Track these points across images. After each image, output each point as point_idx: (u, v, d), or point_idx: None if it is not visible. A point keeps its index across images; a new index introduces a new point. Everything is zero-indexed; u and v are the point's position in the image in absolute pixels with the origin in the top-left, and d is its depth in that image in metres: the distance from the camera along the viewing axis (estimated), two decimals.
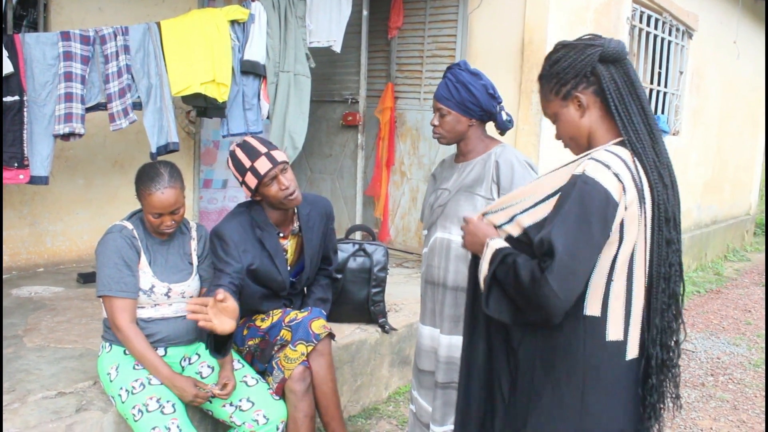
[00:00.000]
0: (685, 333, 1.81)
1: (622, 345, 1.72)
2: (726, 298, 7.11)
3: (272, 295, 3.05)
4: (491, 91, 2.58)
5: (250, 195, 2.89)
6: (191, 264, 2.85)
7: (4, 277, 4.29)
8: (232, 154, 2.88)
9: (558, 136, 1.90)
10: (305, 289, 3.23)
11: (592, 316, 1.70)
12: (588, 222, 1.63)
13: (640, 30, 6.46)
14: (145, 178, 2.64)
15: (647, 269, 1.72)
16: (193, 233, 2.90)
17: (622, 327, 1.71)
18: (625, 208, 1.65)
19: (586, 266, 1.66)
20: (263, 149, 2.82)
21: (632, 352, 1.74)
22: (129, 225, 2.73)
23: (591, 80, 1.77)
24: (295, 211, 3.05)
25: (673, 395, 1.80)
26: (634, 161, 1.70)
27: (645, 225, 1.70)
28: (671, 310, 1.76)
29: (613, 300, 1.70)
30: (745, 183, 10.26)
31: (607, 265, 1.68)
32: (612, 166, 1.65)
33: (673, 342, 1.77)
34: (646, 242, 1.71)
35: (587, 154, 1.72)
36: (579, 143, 1.86)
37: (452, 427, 2.63)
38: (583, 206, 1.64)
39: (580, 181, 1.66)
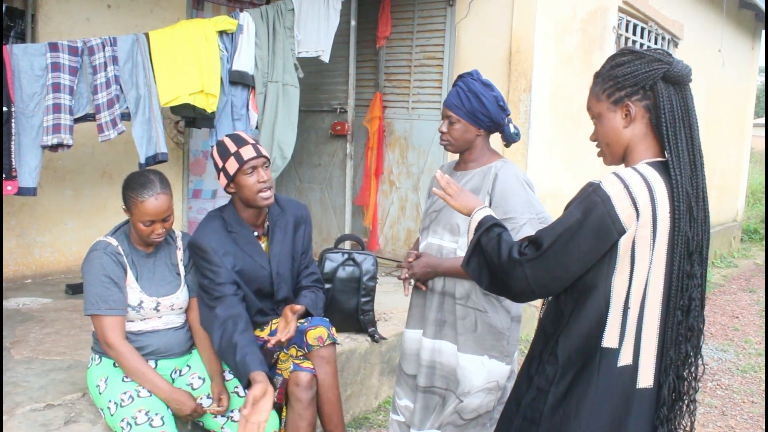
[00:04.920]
0: (704, 367, 1.77)
1: (632, 370, 1.70)
2: (714, 305, 7.15)
3: (266, 297, 2.99)
4: (501, 102, 2.59)
5: (226, 184, 2.83)
6: (179, 275, 2.83)
7: None
8: (219, 142, 2.87)
9: (593, 138, 1.87)
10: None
11: (609, 348, 1.69)
12: (583, 232, 1.64)
13: (627, 39, 6.51)
14: (135, 186, 2.62)
15: (663, 299, 1.70)
16: (179, 243, 2.89)
17: (632, 352, 1.69)
18: (636, 232, 1.63)
19: (565, 271, 1.68)
20: (251, 141, 2.84)
21: (644, 380, 1.71)
22: (113, 241, 2.70)
23: (647, 94, 1.73)
24: (267, 211, 2.99)
25: (688, 429, 1.77)
26: (663, 184, 1.68)
27: (661, 253, 1.67)
28: (691, 342, 1.72)
29: (629, 328, 1.69)
30: (732, 190, 10.33)
31: (623, 294, 1.67)
32: (632, 188, 1.64)
33: (692, 376, 1.74)
34: (666, 271, 1.68)
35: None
36: (614, 152, 1.83)
37: (431, 431, 2.64)
38: (585, 215, 1.64)
39: (592, 190, 1.66)
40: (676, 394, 1.73)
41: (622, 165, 1.82)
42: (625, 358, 1.69)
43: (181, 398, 2.60)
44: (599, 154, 1.89)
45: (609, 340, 1.69)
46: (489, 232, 1.86)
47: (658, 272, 1.68)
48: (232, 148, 2.79)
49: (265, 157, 2.83)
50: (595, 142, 1.88)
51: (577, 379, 1.72)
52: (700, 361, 1.76)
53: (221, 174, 2.84)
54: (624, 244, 1.64)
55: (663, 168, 1.71)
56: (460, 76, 2.63)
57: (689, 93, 1.75)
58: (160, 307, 2.73)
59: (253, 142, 2.85)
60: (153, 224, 2.63)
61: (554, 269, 1.68)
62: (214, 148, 2.89)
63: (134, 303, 2.68)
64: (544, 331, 1.85)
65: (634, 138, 1.77)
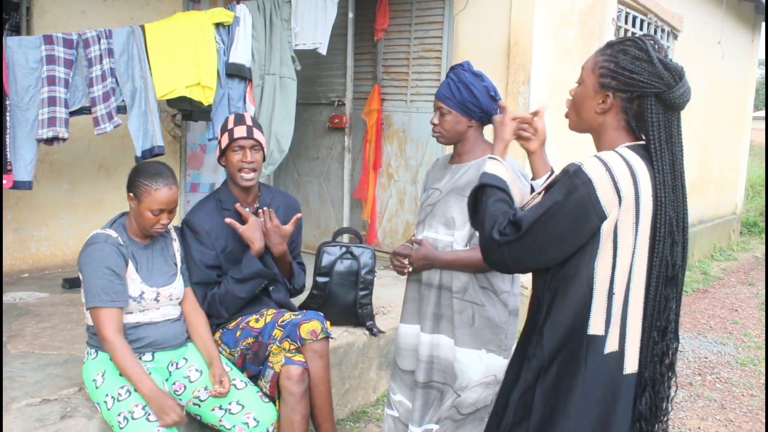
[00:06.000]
0: (676, 387, 1.78)
1: (618, 357, 1.69)
2: (713, 298, 7.14)
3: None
4: (492, 93, 2.58)
5: (218, 156, 3.08)
6: (175, 265, 2.85)
7: None
8: (226, 118, 3.10)
9: (571, 94, 1.85)
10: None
11: (595, 335, 1.68)
12: (562, 214, 1.62)
13: (626, 31, 6.48)
14: (149, 174, 2.64)
15: (647, 284, 1.70)
16: (174, 234, 2.92)
17: (618, 338, 1.69)
18: (618, 216, 1.62)
19: (543, 251, 1.67)
20: (249, 123, 3.05)
21: (631, 366, 1.71)
22: (113, 233, 2.70)
23: (633, 100, 1.70)
24: (258, 194, 3.16)
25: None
26: (645, 168, 1.66)
27: (644, 238, 1.66)
28: (663, 363, 1.73)
29: (614, 314, 1.68)
30: (731, 183, 10.32)
31: (607, 280, 1.66)
32: (614, 172, 1.62)
33: (665, 394, 1.75)
34: (648, 258, 1.68)
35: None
36: (580, 124, 1.83)
37: (430, 426, 2.63)
38: (565, 197, 1.63)
39: (573, 172, 1.64)
40: (653, 416, 1.74)
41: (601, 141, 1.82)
42: (611, 345, 1.68)
43: (166, 403, 2.50)
44: (566, 115, 1.87)
45: (595, 327, 1.68)
46: (482, 191, 1.85)
47: (642, 257, 1.67)
48: (230, 124, 3.02)
49: (256, 140, 3.00)
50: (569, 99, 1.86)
51: (565, 369, 1.71)
52: (673, 380, 1.76)
53: (218, 147, 3.06)
54: (606, 229, 1.63)
55: (643, 151, 1.70)
56: (452, 68, 2.64)
57: (676, 120, 1.71)
58: (160, 297, 2.74)
59: (251, 124, 3.02)
60: (161, 214, 2.66)
61: (532, 250, 1.68)
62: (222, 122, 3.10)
63: (136, 294, 2.68)
64: (529, 326, 1.85)
65: (606, 126, 1.76)
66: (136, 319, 2.71)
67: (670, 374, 1.75)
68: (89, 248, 2.66)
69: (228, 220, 2.92)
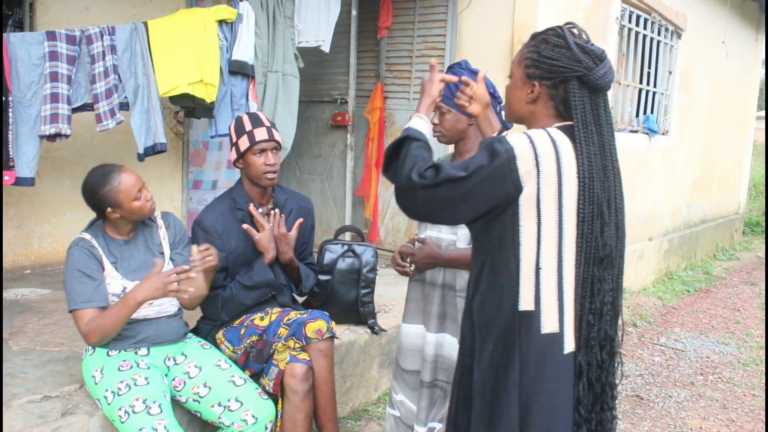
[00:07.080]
0: (623, 375, 1.78)
1: (558, 337, 1.70)
2: (715, 297, 7.13)
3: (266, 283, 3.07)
4: (491, 90, 2.57)
5: (234, 159, 2.99)
6: (162, 254, 2.83)
7: None
8: (238, 118, 3.01)
9: (507, 88, 1.91)
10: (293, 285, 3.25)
11: (526, 311, 1.69)
12: (478, 175, 1.66)
13: (629, 30, 6.47)
14: (101, 183, 2.62)
15: (575, 292, 1.70)
16: (159, 222, 2.90)
17: (557, 318, 1.69)
18: (539, 190, 1.65)
19: (454, 206, 1.70)
20: (267, 123, 2.99)
21: (570, 345, 1.71)
22: (87, 236, 2.71)
23: (557, 86, 1.74)
24: (273, 195, 3.13)
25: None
26: (571, 147, 1.70)
27: (571, 216, 1.68)
28: (604, 349, 1.73)
29: (545, 291, 1.69)
30: (734, 182, 10.29)
31: (533, 254, 1.68)
32: (537, 145, 1.66)
33: (608, 383, 1.74)
34: (576, 257, 1.69)
35: None
36: (513, 114, 1.89)
37: (434, 424, 2.63)
38: (486, 160, 1.66)
39: (498, 140, 1.69)
40: (595, 403, 1.73)
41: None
42: (549, 325, 1.69)
43: (158, 275, 2.54)
44: (504, 105, 1.93)
45: (525, 303, 1.69)
46: (405, 143, 1.87)
47: (571, 237, 1.69)
48: (248, 126, 2.94)
49: (277, 141, 2.97)
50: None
51: (500, 347, 1.71)
52: (619, 369, 1.76)
53: (233, 148, 2.98)
54: (526, 201, 1.66)
55: (572, 131, 1.73)
56: (450, 67, 2.64)
57: (603, 101, 1.75)
58: None
59: (269, 125, 2.98)
60: (140, 193, 2.66)
61: (444, 202, 1.71)
62: (233, 122, 3.03)
63: (118, 291, 2.67)
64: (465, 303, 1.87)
65: (536, 115, 1.81)
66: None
67: (612, 361, 1.74)
68: (66, 254, 2.69)
69: (245, 226, 2.92)
